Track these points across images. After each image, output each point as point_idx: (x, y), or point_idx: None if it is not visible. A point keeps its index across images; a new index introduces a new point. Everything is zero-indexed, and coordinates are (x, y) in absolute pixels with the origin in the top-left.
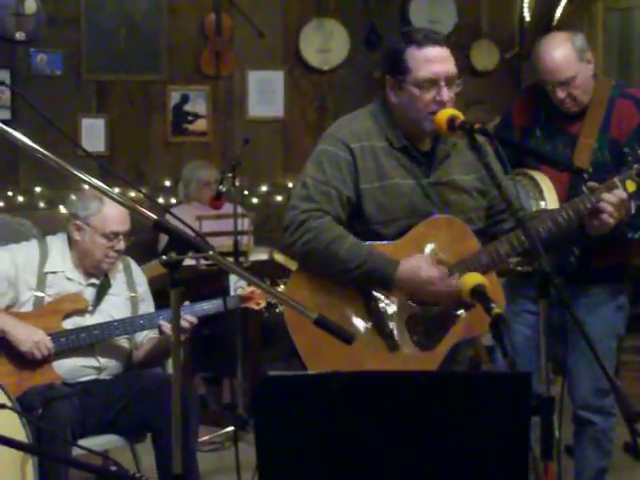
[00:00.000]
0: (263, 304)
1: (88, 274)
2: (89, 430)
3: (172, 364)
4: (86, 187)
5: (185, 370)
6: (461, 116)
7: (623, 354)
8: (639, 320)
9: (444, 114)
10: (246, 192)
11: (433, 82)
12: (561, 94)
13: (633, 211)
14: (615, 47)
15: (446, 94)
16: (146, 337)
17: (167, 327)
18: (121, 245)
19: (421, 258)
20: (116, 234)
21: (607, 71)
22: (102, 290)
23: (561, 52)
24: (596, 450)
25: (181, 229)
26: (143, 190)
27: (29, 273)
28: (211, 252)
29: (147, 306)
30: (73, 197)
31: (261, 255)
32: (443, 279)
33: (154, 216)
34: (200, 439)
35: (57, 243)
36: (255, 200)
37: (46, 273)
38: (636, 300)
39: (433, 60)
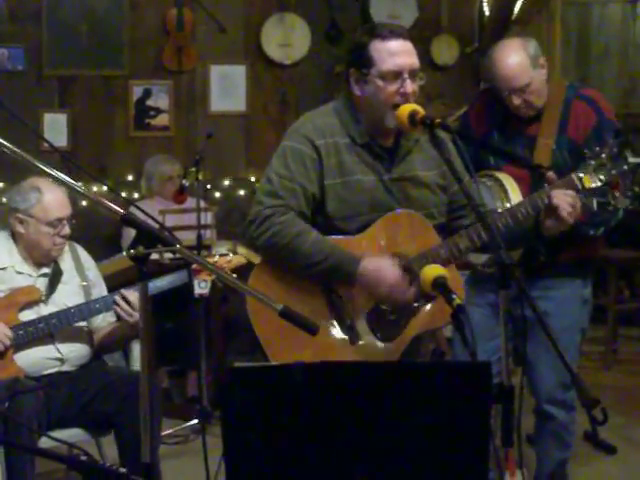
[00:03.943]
0: (214, 275)
1: (38, 265)
2: (54, 424)
3: (140, 354)
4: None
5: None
6: (422, 111)
7: (583, 345)
8: (599, 311)
9: (405, 109)
10: (209, 186)
11: (397, 74)
12: (516, 101)
13: (595, 208)
14: (573, 41)
15: (410, 86)
16: (104, 320)
17: (121, 306)
18: (66, 230)
19: (385, 260)
20: (60, 220)
21: (565, 66)
22: (54, 278)
23: (515, 60)
24: (557, 443)
25: (148, 223)
26: (105, 186)
27: None
28: (178, 245)
29: (100, 291)
30: (10, 191)
31: (224, 249)
32: (403, 285)
33: (121, 210)
34: (165, 432)
35: (1, 240)
36: (218, 194)
37: None
38: (596, 292)
39: (397, 53)
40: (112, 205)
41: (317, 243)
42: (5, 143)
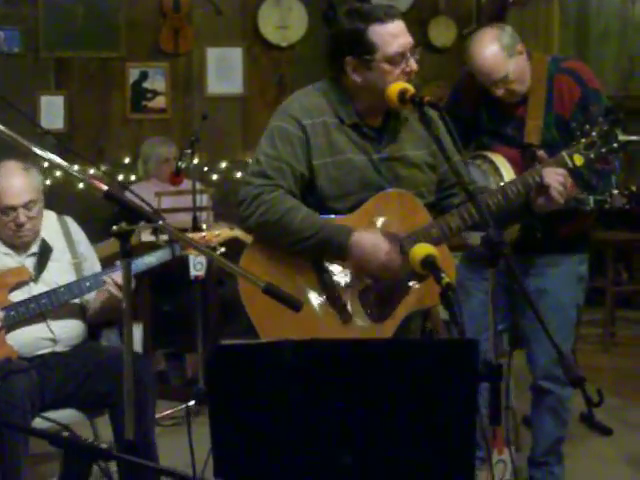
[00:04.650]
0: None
1: (22, 246)
2: (48, 404)
3: (125, 331)
4: None
5: (146, 346)
6: (412, 89)
7: (581, 327)
8: (597, 294)
9: (395, 87)
10: (206, 168)
11: (402, 55)
12: (498, 92)
13: (592, 205)
14: (572, 23)
15: (414, 64)
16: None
17: (110, 284)
18: (21, 219)
19: (376, 233)
20: (12, 208)
21: (564, 48)
22: (44, 256)
23: (489, 53)
24: (554, 419)
25: (131, 200)
26: (103, 167)
27: None
28: (161, 222)
29: (91, 264)
30: None
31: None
32: (395, 257)
33: (104, 187)
34: (162, 414)
35: None
36: (215, 176)
37: None
38: (594, 274)
39: (398, 34)
40: (95, 182)
41: (308, 217)
42: None
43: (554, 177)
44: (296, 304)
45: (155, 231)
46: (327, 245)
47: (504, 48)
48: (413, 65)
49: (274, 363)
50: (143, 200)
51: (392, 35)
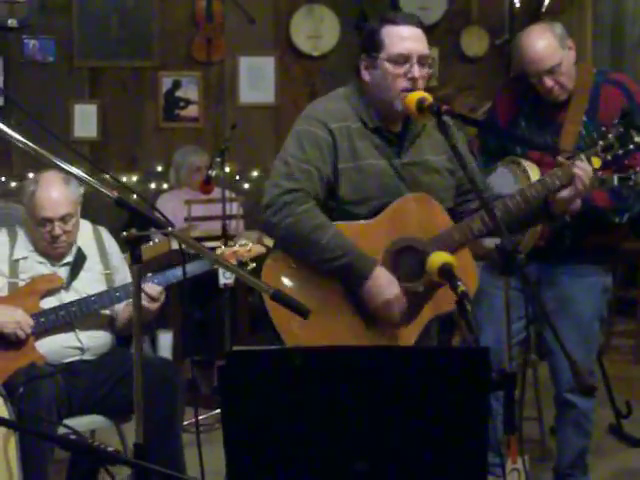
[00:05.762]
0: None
1: (55, 257)
2: (75, 410)
3: (134, 340)
4: None
5: (176, 353)
6: (430, 98)
7: (613, 338)
8: (628, 304)
9: (414, 96)
10: (237, 177)
11: (405, 58)
12: (549, 83)
13: (615, 183)
14: (607, 33)
15: (417, 71)
16: (126, 304)
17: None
18: (57, 231)
19: (393, 278)
20: (48, 220)
21: (597, 58)
22: (77, 264)
23: (543, 42)
24: (577, 431)
25: (141, 206)
26: (135, 177)
27: (1, 262)
28: (170, 229)
29: (123, 277)
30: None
31: (246, 239)
32: (402, 305)
33: (115, 193)
34: (190, 421)
35: (24, 229)
36: (247, 185)
37: (17, 260)
38: (627, 284)
39: (407, 37)
40: (107, 189)
41: (335, 239)
42: (12, 134)
43: (582, 166)
44: (304, 310)
45: None
46: (349, 271)
47: (557, 38)
48: (415, 72)
49: (287, 369)
50: (163, 215)
51: (400, 37)
